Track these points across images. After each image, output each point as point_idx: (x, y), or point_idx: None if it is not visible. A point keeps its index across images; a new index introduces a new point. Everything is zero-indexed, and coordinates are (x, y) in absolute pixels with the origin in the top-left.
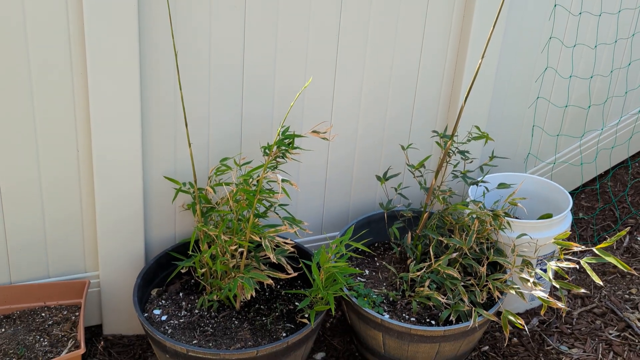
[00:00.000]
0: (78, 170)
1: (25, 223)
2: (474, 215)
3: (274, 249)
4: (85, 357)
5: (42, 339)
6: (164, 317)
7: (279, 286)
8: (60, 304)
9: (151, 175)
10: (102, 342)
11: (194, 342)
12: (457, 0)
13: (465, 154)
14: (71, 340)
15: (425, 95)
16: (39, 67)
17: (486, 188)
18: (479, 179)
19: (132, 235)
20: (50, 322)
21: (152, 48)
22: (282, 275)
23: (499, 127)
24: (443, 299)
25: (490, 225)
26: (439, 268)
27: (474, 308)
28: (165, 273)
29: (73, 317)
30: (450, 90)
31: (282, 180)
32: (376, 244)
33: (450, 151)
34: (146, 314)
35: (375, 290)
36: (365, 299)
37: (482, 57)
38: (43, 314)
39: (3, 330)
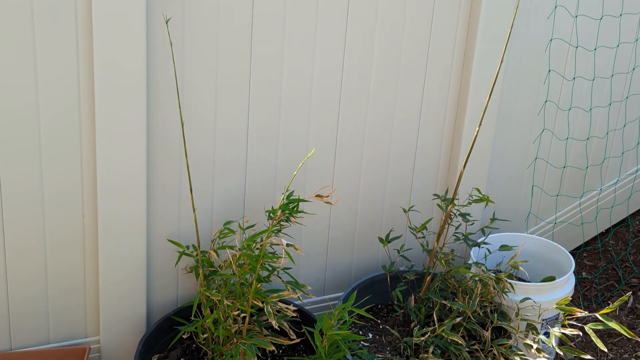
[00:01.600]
0: (83, 235)
1: (29, 289)
2: (477, 278)
3: (277, 314)
4: None
5: None
6: None
7: (281, 351)
8: None
9: (155, 238)
10: None
11: None
12: (453, 70)
13: (467, 216)
14: None
15: (425, 159)
16: (49, 134)
17: (488, 250)
18: (480, 241)
19: (134, 299)
20: None
21: (159, 117)
22: (285, 342)
23: (499, 187)
24: None
25: (494, 289)
26: (443, 333)
27: None
28: (167, 338)
29: None
30: (449, 153)
31: (287, 245)
32: (379, 306)
33: (452, 214)
34: None
35: (379, 355)
36: None
37: (480, 125)
38: None
39: None
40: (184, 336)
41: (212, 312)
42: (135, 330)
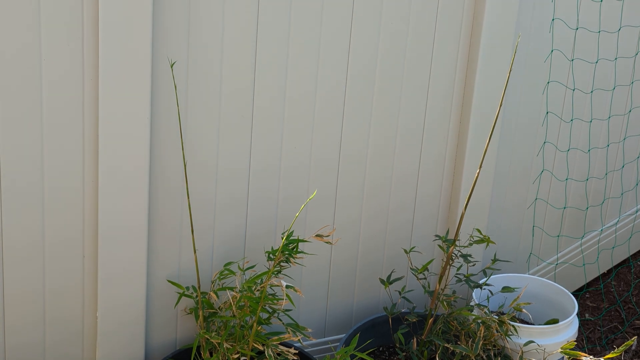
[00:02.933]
0: (82, 276)
1: (25, 326)
2: (480, 321)
3: (277, 357)
4: None
5: None
6: None
7: None
8: None
9: (154, 279)
10: None
11: None
12: (452, 118)
13: (468, 257)
14: None
15: (426, 197)
16: (51, 184)
17: (490, 292)
18: (482, 282)
19: (132, 340)
20: None
21: (161, 158)
22: None
23: (500, 228)
24: None
25: (497, 331)
26: None
27: None
28: None
29: None
30: (450, 192)
31: (286, 287)
32: (381, 348)
33: (453, 255)
34: None
35: None
36: None
37: (480, 167)
38: None
39: None
40: None
41: (211, 355)
42: None
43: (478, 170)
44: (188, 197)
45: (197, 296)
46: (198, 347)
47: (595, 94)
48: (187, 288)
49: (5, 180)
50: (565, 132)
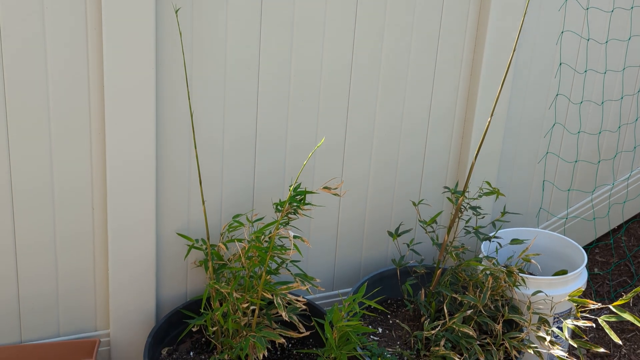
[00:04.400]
0: (92, 228)
1: (38, 279)
2: (488, 272)
3: (286, 307)
4: None
5: None
6: None
7: (290, 345)
8: None
9: (164, 232)
10: None
11: None
12: (463, 65)
13: (477, 209)
14: None
15: (436, 150)
16: (59, 129)
17: (499, 244)
18: (491, 235)
19: (144, 293)
20: None
21: (168, 107)
22: (295, 334)
23: (510, 182)
24: (459, 358)
25: (505, 282)
26: (454, 326)
27: None
28: (176, 331)
29: None
30: (460, 145)
31: (294, 237)
32: (389, 301)
33: (462, 207)
34: None
35: (389, 349)
36: (379, 359)
37: (491, 115)
38: None
39: None
40: (194, 329)
41: (221, 305)
42: (144, 324)
43: (489, 119)
44: (195, 148)
45: (206, 248)
46: (208, 298)
47: (610, 44)
48: (197, 240)
49: (11, 125)
50: (579, 84)
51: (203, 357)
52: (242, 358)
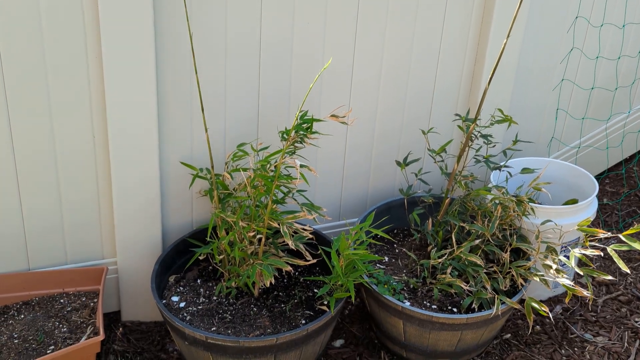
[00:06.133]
0: (94, 155)
1: (43, 209)
2: (497, 201)
3: (292, 236)
4: (104, 344)
5: (61, 325)
6: (182, 304)
7: (297, 273)
8: (79, 291)
9: (168, 160)
10: (120, 329)
11: (212, 329)
12: None
13: (488, 138)
14: (90, 326)
15: (447, 76)
16: (53, 60)
17: (509, 173)
18: (501, 164)
19: (150, 222)
20: (69, 309)
21: (167, 31)
22: (301, 262)
23: (522, 110)
24: (465, 286)
25: (514, 212)
26: (461, 255)
27: (496, 295)
28: (183, 260)
29: (92, 304)
30: (472, 71)
31: (300, 166)
32: (396, 230)
33: (473, 135)
34: (164, 301)
35: (396, 277)
36: (386, 286)
37: (508, 36)
38: (62, 300)
39: (22, 316)
40: (200, 257)
41: (227, 234)
42: (151, 252)
43: (505, 40)
44: (196, 73)
45: (211, 177)
46: (214, 227)
47: None
48: (201, 170)
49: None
50: (600, 6)
51: (210, 284)
52: (249, 285)
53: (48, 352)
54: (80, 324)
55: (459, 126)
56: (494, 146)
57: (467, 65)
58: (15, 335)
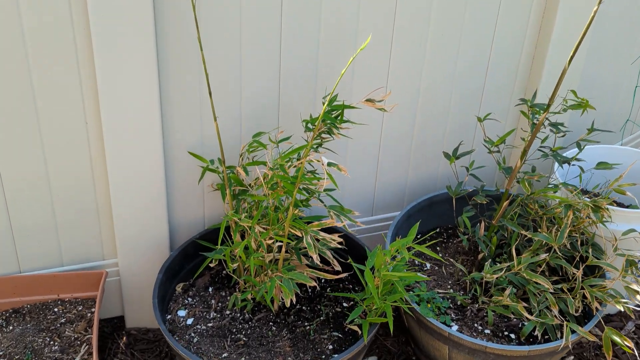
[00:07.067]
0: (88, 144)
1: (31, 205)
2: (567, 205)
3: (318, 242)
4: (103, 358)
5: (52, 342)
6: (189, 321)
7: (324, 281)
8: (76, 297)
9: (174, 149)
10: (124, 338)
11: (224, 355)
12: None
13: (559, 127)
14: (84, 345)
15: (503, 55)
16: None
17: (581, 168)
18: (571, 157)
19: (154, 219)
20: (62, 320)
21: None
22: (328, 276)
23: (591, 88)
24: (527, 314)
25: (588, 217)
26: (524, 274)
27: (566, 323)
28: (193, 264)
29: (89, 314)
30: (534, 44)
31: (328, 164)
32: (439, 229)
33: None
34: (169, 316)
35: (440, 291)
36: (429, 305)
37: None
38: (56, 310)
39: (11, 327)
40: (211, 265)
41: (242, 238)
42: (156, 253)
43: (596, 7)
44: (201, 49)
45: (223, 171)
46: (228, 228)
47: None
48: (212, 161)
49: None
50: None
51: (223, 293)
52: (266, 301)
53: None
54: (73, 341)
55: (522, 112)
56: (563, 135)
57: (530, 35)
58: (1, 353)
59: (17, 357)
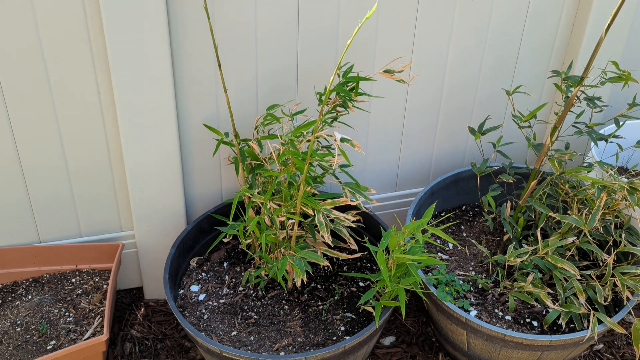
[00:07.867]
0: (102, 115)
1: (48, 176)
2: (601, 186)
3: (332, 221)
4: (121, 329)
5: (67, 313)
6: (201, 296)
7: (339, 260)
8: (93, 268)
9: (189, 122)
10: (142, 309)
11: (233, 332)
12: None
13: (595, 101)
14: (98, 317)
15: (538, 22)
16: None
17: (620, 146)
18: (608, 134)
19: (169, 192)
20: (79, 291)
21: None
22: (343, 255)
23: (631, 58)
24: (551, 303)
25: (624, 199)
26: (550, 260)
27: (592, 312)
28: (209, 238)
29: (105, 286)
30: (574, 10)
31: (341, 140)
32: (465, 207)
33: (576, 98)
34: (182, 291)
35: (461, 273)
36: (447, 288)
37: None
38: (74, 280)
39: (30, 297)
40: (225, 240)
41: (256, 214)
42: (172, 225)
43: None
44: (207, 13)
45: (236, 144)
46: (243, 202)
47: None
48: (227, 134)
49: None
50: None
51: (238, 269)
52: (279, 279)
53: (48, 347)
54: (88, 313)
55: (555, 85)
56: (601, 110)
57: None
58: (19, 322)
59: (33, 326)
